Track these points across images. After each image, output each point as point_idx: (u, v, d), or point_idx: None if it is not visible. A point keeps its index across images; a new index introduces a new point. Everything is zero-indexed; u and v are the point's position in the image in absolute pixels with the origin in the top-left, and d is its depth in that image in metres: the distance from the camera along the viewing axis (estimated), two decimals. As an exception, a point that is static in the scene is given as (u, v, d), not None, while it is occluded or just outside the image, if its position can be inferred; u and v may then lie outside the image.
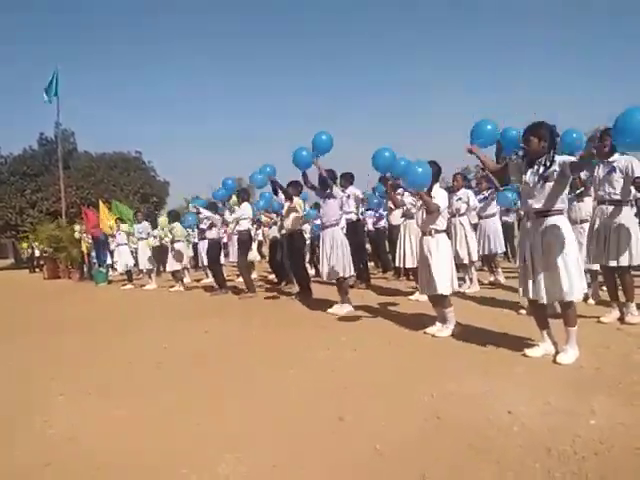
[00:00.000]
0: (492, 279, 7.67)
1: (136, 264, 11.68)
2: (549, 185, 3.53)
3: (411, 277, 8.20)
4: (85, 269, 15.46)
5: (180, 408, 3.29)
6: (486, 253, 7.56)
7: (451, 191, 6.73)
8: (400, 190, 6.48)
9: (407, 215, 6.71)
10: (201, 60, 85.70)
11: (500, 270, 7.65)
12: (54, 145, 27.35)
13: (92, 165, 31.59)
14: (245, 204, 8.56)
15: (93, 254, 15.22)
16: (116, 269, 13.48)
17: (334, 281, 6.36)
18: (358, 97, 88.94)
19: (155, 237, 11.53)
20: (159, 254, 12.56)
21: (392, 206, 8.05)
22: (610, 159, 4.49)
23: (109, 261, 13.52)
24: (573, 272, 3.51)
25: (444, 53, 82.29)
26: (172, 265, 10.33)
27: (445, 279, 4.58)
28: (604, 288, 5.05)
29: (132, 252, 12.05)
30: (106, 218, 13.09)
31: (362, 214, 9.64)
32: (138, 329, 6.27)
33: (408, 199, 5.49)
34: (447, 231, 4.82)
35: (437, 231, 4.66)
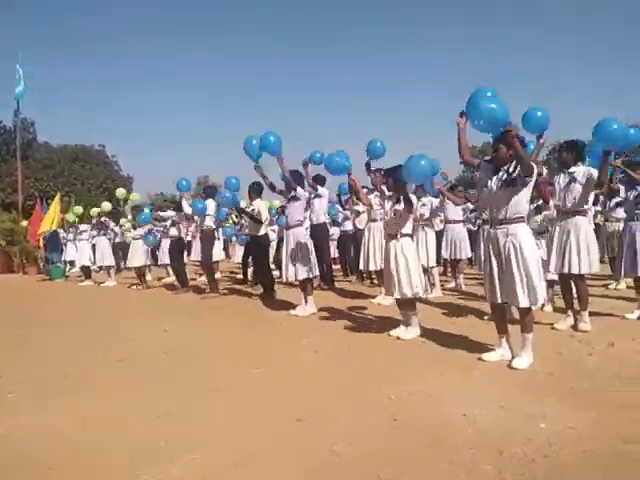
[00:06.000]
0: (453, 285, 7.81)
1: (95, 260, 11.37)
2: (511, 191, 3.63)
3: (374, 280, 8.28)
4: (41, 264, 14.97)
5: (137, 407, 3.22)
6: (452, 258, 7.69)
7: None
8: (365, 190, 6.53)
9: (372, 218, 6.80)
10: (171, 56, 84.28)
11: (462, 276, 7.80)
12: (12, 135, 26.34)
13: (52, 157, 30.65)
14: (210, 201, 8.45)
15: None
16: (73, 265, 13.13)
17: (297, 282, 6.34)
18: (331, 96, 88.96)
19: (117, 233, 11.29)
20: (119, 250, 12.30)
21: (357, 208, 8.12)
22: (570, 170, 4.64)
23: (65, 257, 13.11)
24: (532, 279, 3.61)
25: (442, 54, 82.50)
26: (133, 262, 10.10)
27: (411, 282, 4.63)
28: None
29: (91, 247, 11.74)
30: (54, 214, 12.76)
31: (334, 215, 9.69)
32: (96, 326, 6.09)
33: (375, 199, 5.56)
34: (412, 235, 4.88)
35: (403, 234, 4.71)
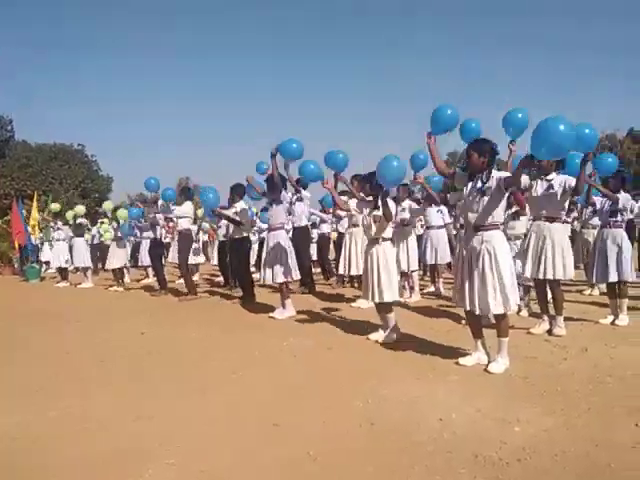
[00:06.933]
0: (433, 289, 7.86)
1: (72, 261, 11.17)
2: (486, 199, 3.67)
3: (355, 284, 8.29)
4: (16, 264, 14.65)
5: (114, 409, 3.19)
6: (433, 263, 7.74)
7: (396, 202, 6.85)
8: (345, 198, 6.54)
9: (353, 223, 6.81)
10: (153, 58, 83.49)
11: (442, 280, 7.85)
12: (-12, 132, 25.81)
13: (30, 155, 30.09)
14: (187, 203, 8.36)
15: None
16: (49, 265, 12.90)
17: (277, 285, 6.32)
18: (306, 100, 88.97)
19: (94, 235, 11.12)
20: (97, 252, 12.11)
21: (340, 213, 8.11)
22: (548, 177, 4.72)
23: (41, 257, 12.87)
24: (506, 285, 3.65)
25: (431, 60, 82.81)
26: (112, 263, 9.96)
27: (391, 287, 4.65)
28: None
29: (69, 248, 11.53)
30: (34, 217, 12.58)
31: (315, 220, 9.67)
32: (72, 327, 6.01)
33: (352, 204, 5.56)
34: (392, 239, 4.91)
35: (384, 239, 4.73)
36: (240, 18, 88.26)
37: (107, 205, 11.64)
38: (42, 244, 13.43)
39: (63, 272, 11.45)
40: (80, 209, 11.52)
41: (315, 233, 10.29)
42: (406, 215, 7.02)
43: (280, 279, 6.10)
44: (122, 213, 9.96)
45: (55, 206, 12.58)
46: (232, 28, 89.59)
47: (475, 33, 79.37)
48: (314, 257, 10.54)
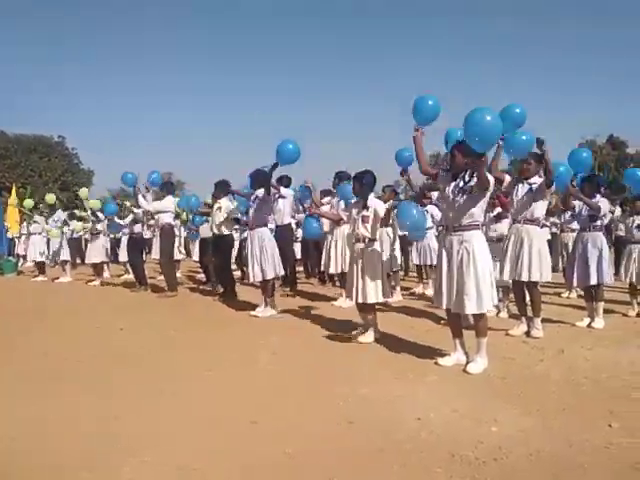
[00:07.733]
0: (418, 289, 7.88)
1: (49, 255, 10.96)
2: (467, 198, 3.69)
3: (336, 283, 8.29)
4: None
5: (88, 408, 3.14)
6: (425, 264, 7.79)
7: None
8: (327, 199, 6.57)
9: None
10: (141, 51, 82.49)
11: (431, 282, 7.85)
12: (-34, 122, 25.23)
13: (8, 147, 29.52)
14: (168, 198, 8.26)
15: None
16: (26, 259, 12.65)
17: (258, 283, 6.30)
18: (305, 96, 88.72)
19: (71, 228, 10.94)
20: (76, 246, 11.92)
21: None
22: (530, 181, 4.76)
23: (17, 251, 12.61)
24: (483, 285, 3.68)
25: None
26: (92, 258, 9.82)
27: (376, 288, 4.65)
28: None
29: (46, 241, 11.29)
30: (12, 211, 12.33)
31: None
32: (48, 323, 5.91)
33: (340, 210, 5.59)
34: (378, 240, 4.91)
35: (371, 240, 4.73)
36: (232, 16, 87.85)
37: (83, 193, 11.28)
38: (19, 237, 13.15)
39: (40, 266, 11.24)
40: (50, 198, 11.26)
41: (300, 232, 10.27)
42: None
43: (268, 276, 6.09)
44: (94, 203, 9.91)
45: (28, 202, 12.22)
46: (224, 25, 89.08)
47: (475, 33, 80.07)
48: (298, 256, 10.54)
